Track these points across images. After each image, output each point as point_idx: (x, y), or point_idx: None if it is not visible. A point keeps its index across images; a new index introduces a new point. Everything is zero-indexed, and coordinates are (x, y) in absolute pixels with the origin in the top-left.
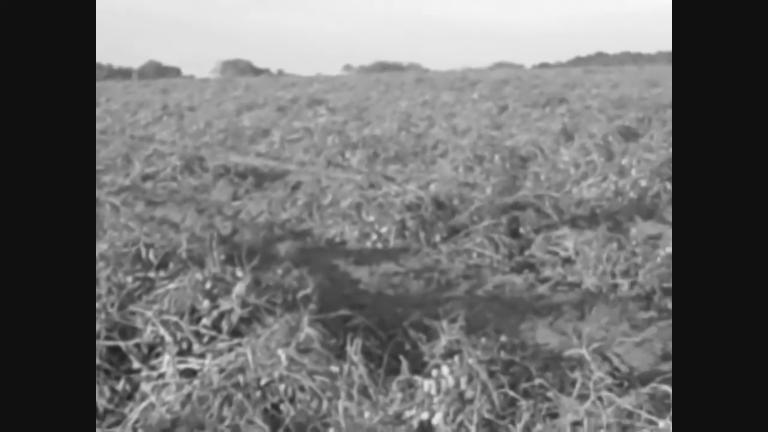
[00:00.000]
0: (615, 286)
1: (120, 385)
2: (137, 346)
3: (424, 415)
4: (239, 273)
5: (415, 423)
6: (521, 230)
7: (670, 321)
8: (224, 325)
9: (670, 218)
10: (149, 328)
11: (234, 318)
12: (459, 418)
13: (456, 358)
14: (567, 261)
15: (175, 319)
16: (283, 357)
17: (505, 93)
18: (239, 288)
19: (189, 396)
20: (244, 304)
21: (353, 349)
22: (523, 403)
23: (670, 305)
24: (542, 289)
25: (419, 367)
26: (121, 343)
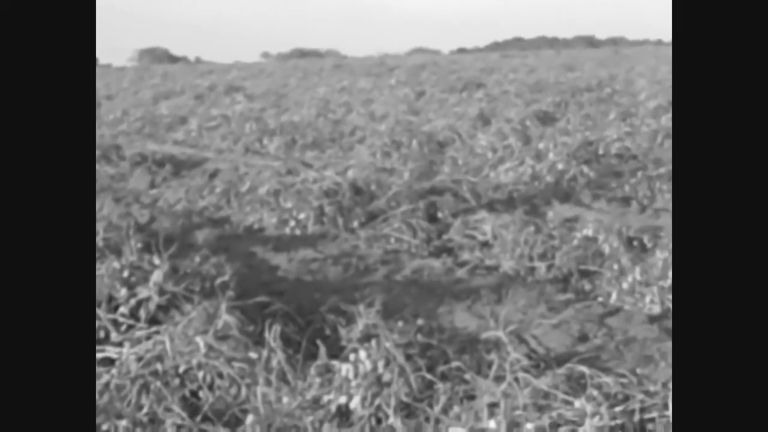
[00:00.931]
0: (532, 269)
1: None
2: None
3: (342, 399)
4: (157, 261)
5: (333, 407)
6: (439, 215)
7: (586, 303)
8: (142, 313)
9: (586, 201)
10: None
11: (152, 306)
12: (376, 402)
13: (373, 342)
14: (485, 245)
15: None
16: (201, 344)
17: (422, 78)
18: (157, 276)
19: (107, 385)
20: (161, 292)
21: (272, 336)
22: (441, 385)
23: (587, 287)
24: (460, 273)
25: (337, 351)
26: None
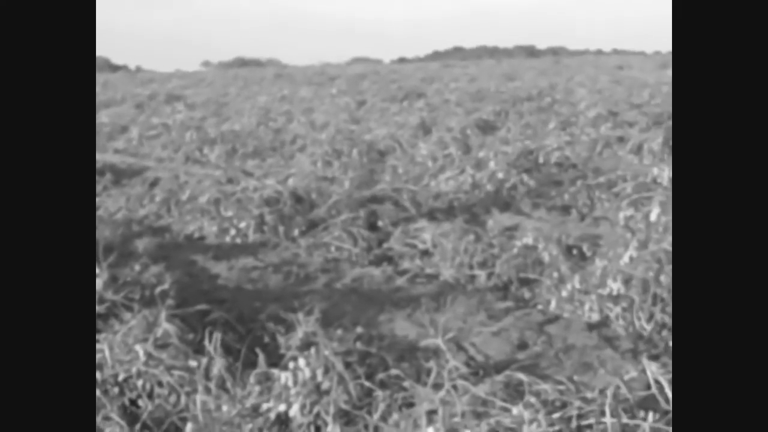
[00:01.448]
0: (472, 278)
1: None
2: None
3: (282, 407)
4: (96, 270)
5: (272, 415)
6: (379, 223)
7: (526, 310)
8: None
9: (526, 209)
10: None
11: None
12: (316, 410)
13: (312, 350)
14: (425, 253)
15: None
16: (141, 353)
17: (363, 88)
18: (96, 284)
19: None
20: (101, 300)
21: (212, 344)
22: (380, 393)
23: (526, 295)
24: (400, 281)
25: (277, 359)
26: None
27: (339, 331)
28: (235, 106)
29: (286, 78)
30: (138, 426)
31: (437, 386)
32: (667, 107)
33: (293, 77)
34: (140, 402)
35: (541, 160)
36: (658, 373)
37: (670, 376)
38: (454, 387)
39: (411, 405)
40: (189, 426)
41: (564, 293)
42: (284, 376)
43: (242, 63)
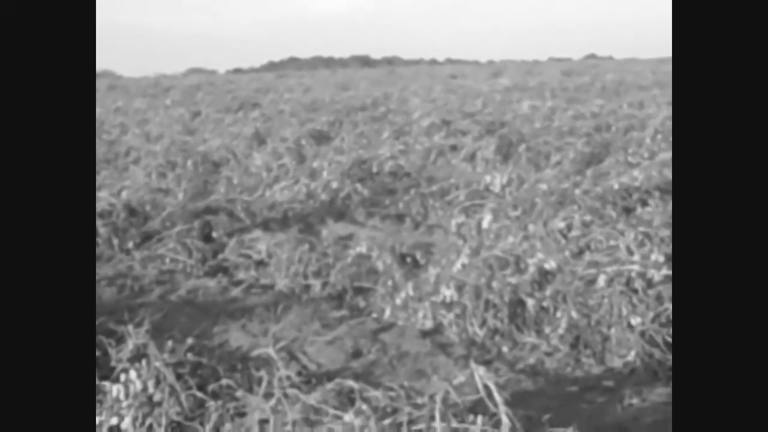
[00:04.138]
0: (307, 287)
1: None
2: None
3: (113, 420)
4: None
5: (104, 428)
6: (214, 234)
7: (360, 319)
8: None
9: (361, 219)
10: None
11: None
12: (148, 422)
13: (143, 361)
14: (260, 263)
15: None
16: None
17: (198, 98)
18: None
19: None
20: None
21: None
22: (212, 403)
23: (361, 303)
24: (235, 292)
25: (108, 372)
26: None
27: (170, 343)
28: None
29: (121, 89)
30: None
31: (268, 395)
32: (500, 116)
33: (128, 89)
34: None
35: (375, 169)
36: (487, 378)
37: (499, 380)
38: (285, 396)
39: (243, 414)
40: None
41: (398, 301)
42: (115, 389)
43: None
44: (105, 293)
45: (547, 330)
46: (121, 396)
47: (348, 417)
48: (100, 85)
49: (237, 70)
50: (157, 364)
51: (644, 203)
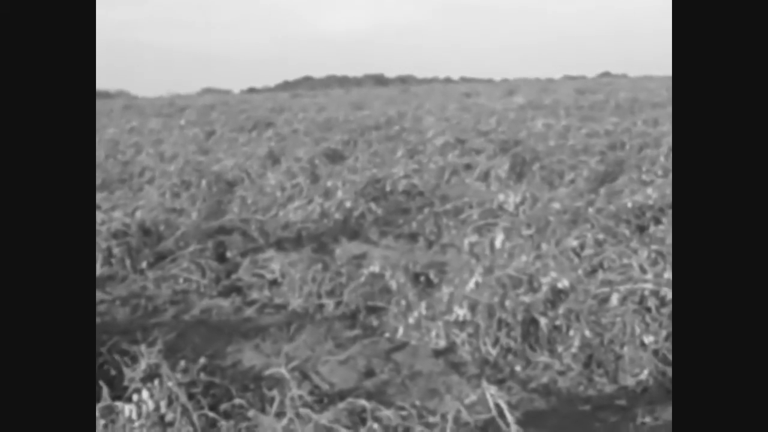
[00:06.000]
0: (321, 306)
1: None
2: None
3: None
4: None
5: None
6: (228, 254)
7: (373, 338)
8: None
9: (374, 238)
10: None
11: None
12: None
13: (156, 381)
14: (273, 283)
15: None
16: None
17: (212, 118)
18: None
19: None
20: None
21: None
22: (224, 423)
23: (374, 323)
24: (249, 311)
25: (121, 392)
26: None
27: (183, 362)
28: None
29: (135, 109)
30: None
31: (280, 415)
32: (514, 134)
33: (142, 109)
34: None
35: (388, 188)
36: (498, 397)
37: (512, 399)
38: (298, 415)
39: None
40: None
41: (411, 320)
42: (128, 409)
43: None
44: (119, 313)
45: (560, 349)
46: (134, 416)
47: None
48: (115, 105)
49: (251, 90)
50: (170, 383)
51: (657, 221)
